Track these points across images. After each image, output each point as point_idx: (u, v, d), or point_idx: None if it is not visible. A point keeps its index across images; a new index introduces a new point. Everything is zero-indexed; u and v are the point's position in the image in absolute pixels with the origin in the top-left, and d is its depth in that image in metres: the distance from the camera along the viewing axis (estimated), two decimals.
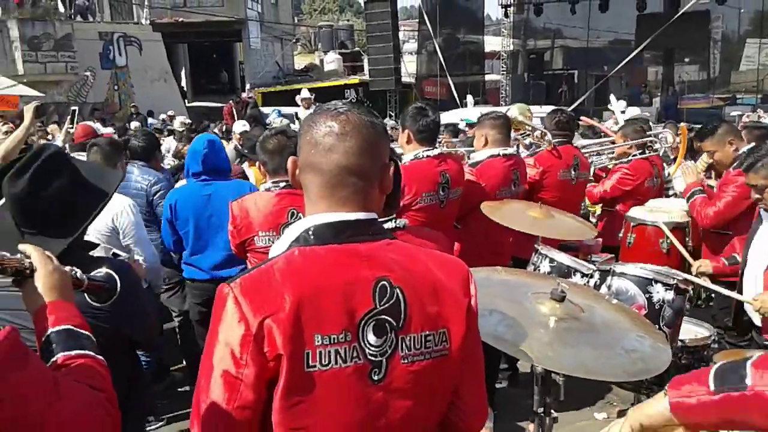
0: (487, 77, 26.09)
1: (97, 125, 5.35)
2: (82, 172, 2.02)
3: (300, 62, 31.84)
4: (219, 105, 20.23)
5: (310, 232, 1.30)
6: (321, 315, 1.22)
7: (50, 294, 1.26)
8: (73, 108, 6.46)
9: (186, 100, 24.14)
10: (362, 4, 24.17)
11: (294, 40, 31.16)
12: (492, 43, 26.27)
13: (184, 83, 26.66)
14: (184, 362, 4.64)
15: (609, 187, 4.91)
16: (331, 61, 27.75)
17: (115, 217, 3.41)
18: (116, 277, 1.49)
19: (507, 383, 4.44)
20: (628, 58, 20.02)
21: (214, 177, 3.86)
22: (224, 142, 7.82)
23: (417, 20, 25.10)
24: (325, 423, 1.24)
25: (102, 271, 1.50)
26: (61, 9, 19.61)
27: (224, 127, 10.72)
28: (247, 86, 21.07)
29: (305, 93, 12.13)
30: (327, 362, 1.22)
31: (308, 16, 42.06)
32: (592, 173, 5.24)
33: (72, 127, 6.19)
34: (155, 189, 4.37)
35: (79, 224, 1.94)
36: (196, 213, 3.81)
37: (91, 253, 2.12)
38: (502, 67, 24.57)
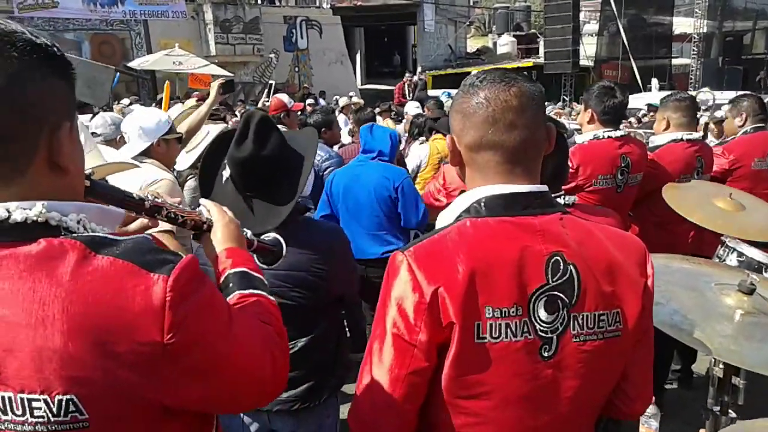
0: (675, 61, 24.22)
1: (288, 98, 5.69)
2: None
3: (472, 45, 31.62)
4: (389, 88, 20.70)
5: (482, 204, 1.28)
6: (493, 287, 1.20)
7: (227, 242, 1.33)
8: (270, 82, 6.93)
9: (359, 83, 24.96)
10: None
11: (468, 23, 30.96)
12: (682, 25, 24.32)
13: (358, 66, 27.57)
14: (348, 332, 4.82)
15: None
16: (505, 43, 27.28)
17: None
18: (282, 242, 1.56)
19: (678, 384, 4.15)
20: None
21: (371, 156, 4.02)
22: (390, 123, 8.01)
23: (599, 0, 23.88)
24: (493, 394, 1.24)
25: (270, 235, 1.57)
26: None
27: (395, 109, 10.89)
28: (419, 69, 21.33)
29: None
30: (497, 335, 1.21)
31: None
32: None
33: (268, 101, 6.57)
34: (326, 165, 4.59)
35: (295, 188, 2.04)
36: (345, 192, 3.95)
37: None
38: (693, 50, 22.70)
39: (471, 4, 31.04)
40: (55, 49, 1.00)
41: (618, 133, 3.32)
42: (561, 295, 1.23)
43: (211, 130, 4.53)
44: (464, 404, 1.25)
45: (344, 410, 2.39)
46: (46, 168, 1.00)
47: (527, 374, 1.23)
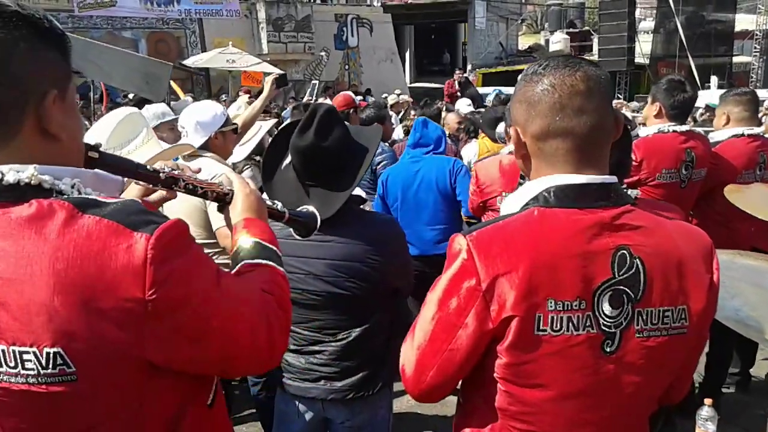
0: (735, 59, 23.34)
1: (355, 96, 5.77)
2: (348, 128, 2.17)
3: (524, 42, 31.18)
4: (439, 86, 20.57)
5: (551, 193, 1.25)
6: (556, 280, 1.19)
7: (246, 213, 1.33)
8: (314, 82, 7.00)
9: (408, 80, 24.89)
10: None
11: (519, 20, 30.57)
12: (744, 22, 23.45)
13: (407, 64, 27.49)
14: None
15: None
16: (557, 41, 26.80)
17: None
18: (317, 215, 1.55)
19: (736, 388, 4.03)
20: None
21: (424, 149, 4.01)
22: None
23: None
24: (551, 386, 1.23)
25: (308, 208, 1.57)
26: None
27: (445, 106, 10.82)
28: (468, 66, 21.14)
29: None
30: (558, 328, 1.19)
31: None
32: None
33: (312, 99, 6.63)
34: (379, 159, 4.64)
35: (353, 177, 2.07)
36: (403, 189, 3.93)
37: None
38: (755, 48, 21.88)
39: (523, 1, 30.60)
40: (45, 21, 1.04)
41: (683, 128, 3.28)
42: (626, 289, 1.21)
43: (263, 126, 4.60)
44: (519, 393, 1.24)
45: (397, 404, 2.40)
46: (37, 135, 1.03)
47: (588, 368, 1.21)
